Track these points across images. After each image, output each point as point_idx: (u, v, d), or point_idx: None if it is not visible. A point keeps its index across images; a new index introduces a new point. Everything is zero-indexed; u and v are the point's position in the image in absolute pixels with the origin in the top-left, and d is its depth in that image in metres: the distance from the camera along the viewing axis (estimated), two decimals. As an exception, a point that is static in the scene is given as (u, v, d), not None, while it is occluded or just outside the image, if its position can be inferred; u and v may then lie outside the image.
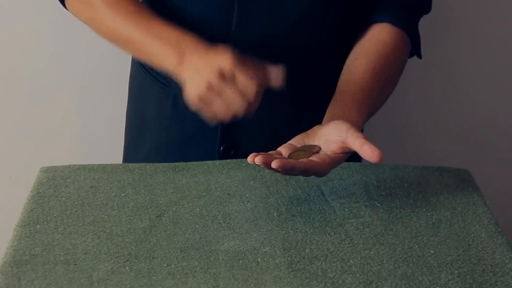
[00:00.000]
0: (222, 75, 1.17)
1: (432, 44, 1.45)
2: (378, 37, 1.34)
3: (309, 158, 1.16)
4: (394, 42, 1.34)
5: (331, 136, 1.17)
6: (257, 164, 1.14)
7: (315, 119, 1.37)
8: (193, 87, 1.19)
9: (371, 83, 1.29)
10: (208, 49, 1.22)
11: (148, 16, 1.29)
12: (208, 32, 1.34)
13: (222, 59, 1.18)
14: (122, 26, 1.29)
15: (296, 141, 1.21)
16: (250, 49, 1.33)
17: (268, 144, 1.38)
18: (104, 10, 1.31)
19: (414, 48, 1.40)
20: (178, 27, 1.27)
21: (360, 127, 1.23)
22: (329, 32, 1.37)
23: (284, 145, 1.21)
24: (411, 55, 1.41)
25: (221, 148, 1.39)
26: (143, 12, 1.30)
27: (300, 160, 1.15)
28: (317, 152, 1.17)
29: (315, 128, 1.22)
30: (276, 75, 1.20)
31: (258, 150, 1.37)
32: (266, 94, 1.37)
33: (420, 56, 1.42)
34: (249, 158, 1.14)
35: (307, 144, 1.20)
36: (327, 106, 1.35)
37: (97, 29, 1.34)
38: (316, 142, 1.19)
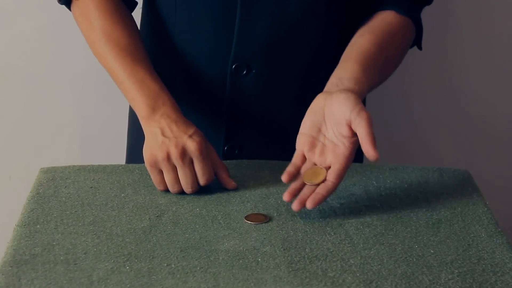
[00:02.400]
0: (183, 155, 1.22)
1: (432, 44, 1.45)
2: (383, 18, 1.35)
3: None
4: (399, 24, 1.35)
5: (338, 117, 1.18)
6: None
7: None
8: (153, 148, 1.23)
9: (376, 54, 1.29)
10: (182, 119, 1.26)
11: (136, 58, 1.31)
12: (212, 32, 1.34)
13: (191, 140, 1.22)
14: (109, 58, 1.32)
15: (306, 128, 1.22)
16: (253, 48, 1.33)
17: (272, 144, 1.39)
18: (99, 34, 1.33)
19: (415, 38, 1.40)
20: (160, 81, 1.30)
21: (364, 93, 1.24)
22: (332, 29, 1.37)
23: (299, 142, 1.22)
24: (411, 46, 1.41)
25: (225, 148, 1.39)
26: (133, 51, 1.32)
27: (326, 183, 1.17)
28: (323, 181, 1.17)
29: (319, 101, 1.21)
30: (228, 185, 1.26)
31: (262, 149, 1.38)
32: (270, 92, 1.37)
33: (420, 47, 1.43)
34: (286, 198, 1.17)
35: (318, 131, 1.20)
36: None
37: (91, 47, 1.36)
38: (325, 125, 1.20)
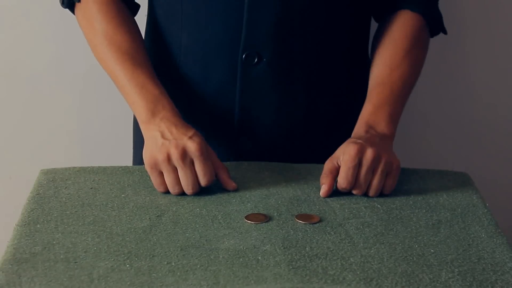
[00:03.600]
0: (183, 156, 1.22)
1: (432, 45, 1.45)
2: (400, 30, 1.38)
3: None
4: (416, 31, 1.38)
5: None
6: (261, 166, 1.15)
7: (331, 108, 1.38)
8: (153, 150, 1.24)
9: (395, 80, 1.35)
10: (182, 123, 1.27)
11: (137, 62, 1.32)
12: (221, 23, 1.33)
13: (191, 141, 1.23)
14: (111, 62, 1.33)
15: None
16: (263, 35, 1.33)
17: (285, 136, 1.38)
18: (101, 38, 1.34)
19: (438, 26, 1.43)
20: (160, 85, 1.31)
21: (379, 119, 1.32)
22: (343, 16, 1.37)
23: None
24: (436, 33, 1.44)
25: (239, 140, 1.38)
26: (134, 55, 1.33)
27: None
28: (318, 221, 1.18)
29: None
30: (228, 186, 1.26)
31: (275, 141, 1.39)
32: (281, 82, 1.37)
33: (445, 32, 1.45)
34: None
35: None
36: (342, 94, 1.38)
37: (93, 51, 1.37)
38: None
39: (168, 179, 1.23)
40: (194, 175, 1.23)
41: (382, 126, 1.30)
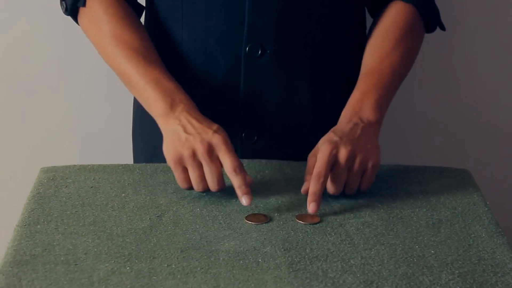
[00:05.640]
0: (209, 151, 1.19)
1: (433, 42, 1.45)
2: (392, 20, 1.37)
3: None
4: (407, 23, 1.36)
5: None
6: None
7: (337, 100, 1.38)
8: (176, 146, 1.21)
9: (384, 68, 1.33)
10: (202, 116, 1.25)
11: (149, 59, 1.31)
12: (222, 16, 1.32)
13: (217, 136, 1.21)
14: (121, 60, 1.31)
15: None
16: (266, 26, 1.32)
17: (290, 128, 1.38)
18: (109, 38, 1.33)
19: (434, 21, 1.40)
20: (175, 80, 1.29)
21: (366, 107, 1.29)
22: (345, 8, 1.37)
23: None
24: (433, 29, 1.42)
25: (243, 134, 1.38)
26: (145, 53, 1.32)
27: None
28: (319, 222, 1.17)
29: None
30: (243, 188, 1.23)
31: (280, 135, 1.38)
32: (285, 75, 1.36)
33: (443, 28, 1.43)
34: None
35: None
36: (347, 86, 1.36)
37: (101, 53, 1.36)
38: None
39: (194, 175, 1.21)
40: (220, 171, 1.20)
41: (367, 113, 1.28)
